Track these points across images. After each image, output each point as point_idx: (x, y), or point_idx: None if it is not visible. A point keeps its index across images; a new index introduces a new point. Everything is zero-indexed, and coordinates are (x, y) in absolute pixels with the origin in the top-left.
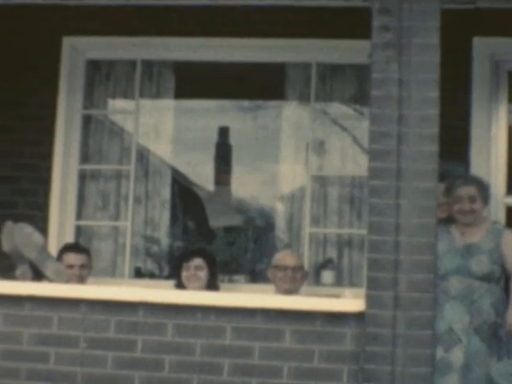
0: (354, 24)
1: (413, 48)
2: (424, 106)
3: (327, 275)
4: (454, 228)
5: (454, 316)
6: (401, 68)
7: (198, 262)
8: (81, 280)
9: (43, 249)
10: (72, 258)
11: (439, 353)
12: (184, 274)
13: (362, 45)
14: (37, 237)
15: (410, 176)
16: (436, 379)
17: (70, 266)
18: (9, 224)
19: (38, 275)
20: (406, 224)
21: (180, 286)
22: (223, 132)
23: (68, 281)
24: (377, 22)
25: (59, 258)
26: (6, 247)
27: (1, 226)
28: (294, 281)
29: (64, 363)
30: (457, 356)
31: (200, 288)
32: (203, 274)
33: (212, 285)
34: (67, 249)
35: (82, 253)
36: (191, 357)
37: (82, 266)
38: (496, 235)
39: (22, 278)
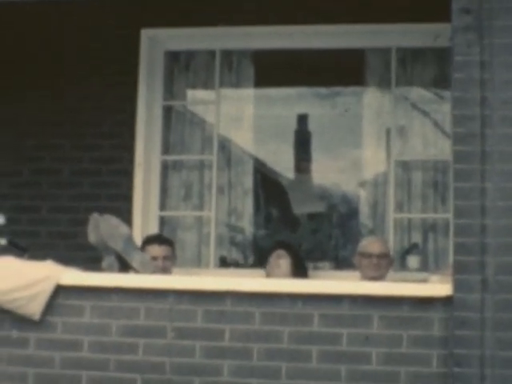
0: (433, 7)
1: (494, 30)
2: (507, 88)
3: (413, 260)
4: None
5: None
6: (482, 50)
7: (280, 251)
8: (165, 271)
9: (129, 240)
10: (155, 249)
11: None
12: (268, 265)
13: (442, 28)
14: (123, 228)
15: (495, 159)
16: None
17: (154, 258)
18: (94, 216)
19: (124, 267)
20: (491, 207)
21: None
22: (302, 119)
23: (154, 272)
24: (457, 5)
25: (142, 250)
26: (93, 239)
27: (86, 218)
28: (380, 268)
29: (152, 353)
30: None
31: (282, 276)
32: (284, 262)
33: (299, 274)
34: (150, 241)
35: (164, 244)
36: (279, 344)
37: (166, 258)
38: None
39: (109, 269)
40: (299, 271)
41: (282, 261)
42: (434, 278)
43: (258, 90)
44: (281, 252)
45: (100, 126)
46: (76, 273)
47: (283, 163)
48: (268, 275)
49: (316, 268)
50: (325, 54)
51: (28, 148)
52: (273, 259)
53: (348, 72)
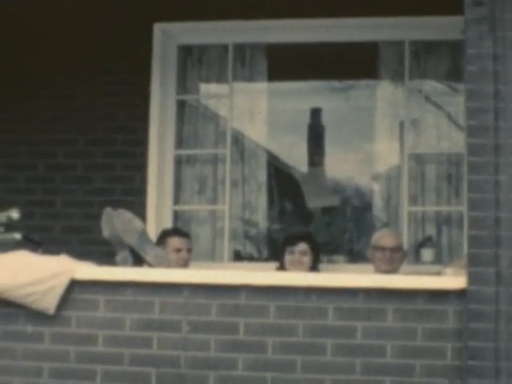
0: (446, 0)
1: (507, 22)
2: None
3: (427, 253)
4: None
5: None
6: (495, 43)
7: (302, 246)
8: (186, 264)
9: (143, 234)
10: (179, 241)
11: None
12: (288, 258)
13: (455, 21)
14: (136, 222)
15: (508, 151)
16: None
17: (178, 250)
18: (108, 210)
19: (138, 261)
20: (505, 199)
21: (282, 269)
22: (316, 113)
23: (169, 265)
24: None
25: (160, 242)
26: (106, 233)
27: (100, 212)
28: (393, 261)
29: (167, 347)
30: None
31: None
32: (307, 260)
33: (314, 268)
34: (171, 233)
35: (185, 237)
36: (294, 338)
37: (186, 250)
38: None
39: (123, 263)
40: (315, 266)
41: (305, 258)
42: (448, 270)
43: (271, 83)
44: (305, 248)
45: (113, 121)
46: (90, 267)
47: (297, 157)
48: (287, 269)
49: (330, 261)
50: (338, 48)
51: (42, 143)
52: (296, 255)
53: (361, 65)
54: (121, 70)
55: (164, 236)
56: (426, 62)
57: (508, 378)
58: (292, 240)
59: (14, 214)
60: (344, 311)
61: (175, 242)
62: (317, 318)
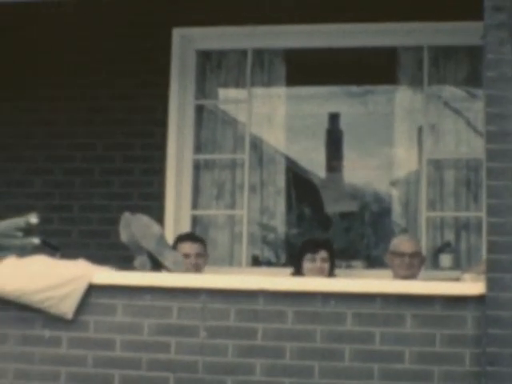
0: (465, 5)
1: None
2: None
3: (445, 259)
4: None
5: None
6: None
7: (323, 254)
8: (197, 269)
9: (161, 239)
10: (188, 247)
11: None
12: (308, 265)
13: (475, 26)
14: (155, 227)
15: None
16: None
17: (186, 255)
18: (126, 215)
19: (156, 266)
20: None
21: (298, 275)
22: (334, 118)
23: (186, 270)
24: (489, 3)
25: (174, 248)
26: (124, 238)
27: (118, 217)
28: (412, 267)
29: (185, 352)
30: None
31: None
32: (327, 267)
33: (330, 275)
34: (182, 238)
35: (197, 242)
36: (312, 343)
37: (198, 255)
38: None
39: (141, 268)
40: (331, 272)
41: (326, 265)
42: (467, 276)
43: (290, 88)
44: (326, 255)
45: (132, 125)
46: (108, 272)
47: (315, 162)
48: (306, 276)
49: (348, 267)
50: (356, 53)
51: (60, 147)
52: (318, 263)
53: (380, 70)
54: (140, 74)
55: (176, 241)
56: (444, 67)
57: None
58: (313, 247)
59: (33, 219)
60: (362, 317)
61: (184, 247)
62: (335, 324)
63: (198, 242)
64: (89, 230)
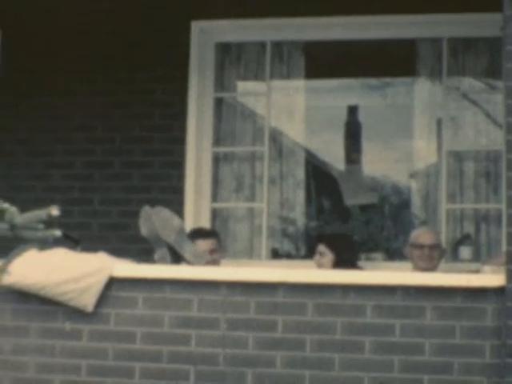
0: None
1: None
2: None
3: (465, 251)
4: None
5: None
6: None
7: (321, 248)
8: (214, 264)
9: (181, 232)
10: (200, 244)
11: None
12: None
13: (494, 18)
14: (175, 220)
15: None
16: None
17: None
18: (146, 208)
19: (176, 259)
20: None
21: None
22: (353, 110)
23: (207, 263)
24: None
25: None
26: (144, 231)
27: (137, 210)
28: (432, 259)
29: (205, 345)
30: None
31: None
32: (326, 261)
33: (353, 266)
34: (193, 236)
35: (209, 237)
36: (332, 335)
37: (212, 251)
38: None
39: (161, 261)
40: (353, 263)
41: (324, 260)
42: (487, 268)
43: (309, 81)
44: (322, 249)
45: (151, 119)
46: (129, 264)
47: (334, 154)
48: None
49: (368, 259)
50: (376, 45)
51: (79, 141)
52: (316, 256)
53: (399, 62)
54: (159, 67)
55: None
56: (464, 59)
57: None
58: (315, 241)
59: (55, 211)
60: (382, 309)
61: (197, 244)
62: (355, 316)
63: (210, 237)
64: (109, 223)
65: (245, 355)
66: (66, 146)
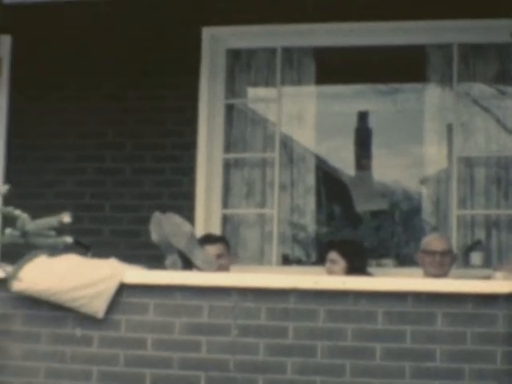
0: (495, 3)
1: None
2: None
3: (476, 257)
4: None
5: None
6: None
7: (332, 255)
8: (222, 270)
9: (192, 238)
10: (207, 249)
11: None
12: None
13: (504, 23)
14: (186, 226)
15: None
16: None
17: None
18: (157, 214)
19: (187, 265)
20: None
21: None
22: (363, 116)
23: (217, 270)
24: None
25: None
26: (155, 237)
27: (149, 216)
28: (443, 265)
29: (216, 351)
30: None
31: None
32: (338, 269)
33: (363, 272)
34: (202, 241)
35: (216, 243)
36: (343, 342)
37: (220, 256)
38: None
39: (172, 267)
40: (362, 269)
41: (336, 267)
42: (498, 274)
43: (319, 87)
44: (334, 256)
45: (162, 125)
46: (139, 271)
47: (344, 160)
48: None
49: (379, 265)
50: (386, 51)
51: (91, 147)
52: (327, 264)
53: (409, 68)
54: (169, 73)
55: None
56: (474, 64)
57: None
58: (325, 248)
59: (66, 218)
60: (393, 315)
61: None
62: (366, 322)
63: (217, 243)
64: (120, 230)
65: (255, 361)
66: (77, 152)
